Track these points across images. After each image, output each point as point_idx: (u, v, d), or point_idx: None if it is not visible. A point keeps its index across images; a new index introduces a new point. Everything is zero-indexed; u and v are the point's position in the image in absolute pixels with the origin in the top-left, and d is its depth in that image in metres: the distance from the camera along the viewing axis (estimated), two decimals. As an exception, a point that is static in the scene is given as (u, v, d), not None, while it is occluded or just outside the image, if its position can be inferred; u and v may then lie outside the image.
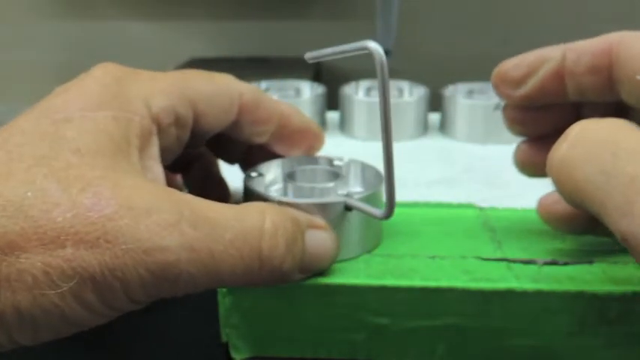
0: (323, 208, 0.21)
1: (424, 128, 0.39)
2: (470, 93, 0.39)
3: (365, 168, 0.25)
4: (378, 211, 0.20)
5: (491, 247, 0.23)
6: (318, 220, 0.20)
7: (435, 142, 0.38)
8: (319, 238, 0.20)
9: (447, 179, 0.31)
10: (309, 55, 0.20)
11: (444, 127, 0.39)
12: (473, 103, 0.37)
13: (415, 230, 0.25)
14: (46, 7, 0.73)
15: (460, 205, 0.28)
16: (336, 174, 0.24)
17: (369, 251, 0.23)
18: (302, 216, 0.20)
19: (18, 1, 0.73)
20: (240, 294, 0.21)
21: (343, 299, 0.21)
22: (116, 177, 0.17)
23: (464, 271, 0.22)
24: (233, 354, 0.22)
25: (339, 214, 0.21)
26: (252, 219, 0.18)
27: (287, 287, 0.21)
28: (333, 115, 0.41)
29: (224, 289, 0.21)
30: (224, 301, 0.21)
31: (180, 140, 0.22)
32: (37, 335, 0.17)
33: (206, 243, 0.17)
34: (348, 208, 0.21)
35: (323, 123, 0.39)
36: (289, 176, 0.24)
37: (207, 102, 0.22)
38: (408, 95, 0.40)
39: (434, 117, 0.40)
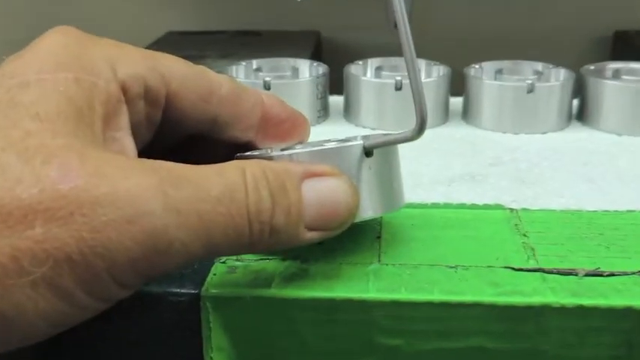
0: (336, 155, 0.21)
1: (444, 115, 0.39)
2: (498, 73, 0.39)
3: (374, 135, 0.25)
4: (407, 133, 0.21)
5: (524, 256, 0.23)
6: (321, 167, 0.21)
7: (456, 131, 0.38)
8: (326, 187, 0.20)
9: (471, 175, 0.31)
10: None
11: (467, 114, 0.39)
12: (502, 84, 0.37)
13: (434, 235, 0.25)
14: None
15: (487, 206, 0.28)
16: (342, 140, 0.25)
17: (393, 210, 0.23)
18: (296, 165, 0.20)
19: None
20: (228, 309, 0.21)
21: (349, 316, 0.21)
22: (80, 146, 0.18)
23: (491, 284, 0.22)
24: (219, 381, 0.22)
25: (356, 161, 0.21)
26: (233, 174, 0.19)
27: (282, 302, 0.21)
28: (336, 100, 0.41)
29: (207, 304, 0.21)
30: (208, 319, 0.21)
31: (150, 121, 0.22)
32: (10, 338, 0.17)
33: (192, 204, 0.18)
34: (368, 152, 0.22)
35: (325, 109, 0.39)
36: (287, 149, 0.24)
37: (182, 82, 0.22)
38: (426, 76, 0.40)
39: (456, 101, 0.40)
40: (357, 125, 0.39)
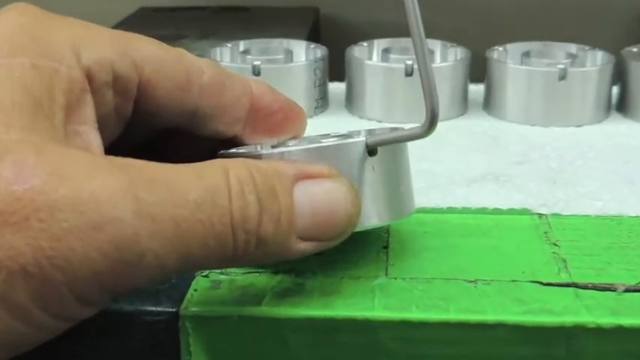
0: (334, 153, 0.21)
1: (462, 105, 0.39)
2: (525, 56, 0.40)
3: (379, 130, 0.26)
4: (415, 129, 0.21)
5: (554, 268, 0.24)
6: (317, 167, 0.21)
7: (477, 124, 0.38)
8: (322, 190, 0.20)
9: (494, 175, 0.32)
10: None
11: (489, 103, 0.39)
12: (529, 69, 0.38)
13: (450, 244, 0.25)
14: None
15: (511, 211, 0.28)
16: (343, 135, 0.25)
17: (400, 217, 0.23)
18: (288, 165, 0.21)
19: None
20: (212, 330, 0.21)
21: (351, 339, 0.21)
22: (38, 141, 0.18)
23: (516, 301, 0.22)
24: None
25: (357, 160, 0.22)
26: (215, 176, 0.19)
27: (274, 322, 0.21)
28: (337, 88, 0.42)
29: (187, 324, 0.21)
30: (188, 341, 0.22)
31: (119, 113, 0.22)
32: None
33: (167, 209, 0.18)
34: (371, 151, 0.22)
35: (323, 98, 0.40)
36: (278, 145, 0.24)
37: (157, 68, 0.22)
38: (441, 59, 0.40)
39: (476, 89, 0.41)
40: (361, 117, 0.39)
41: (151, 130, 0.24)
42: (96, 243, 0.17)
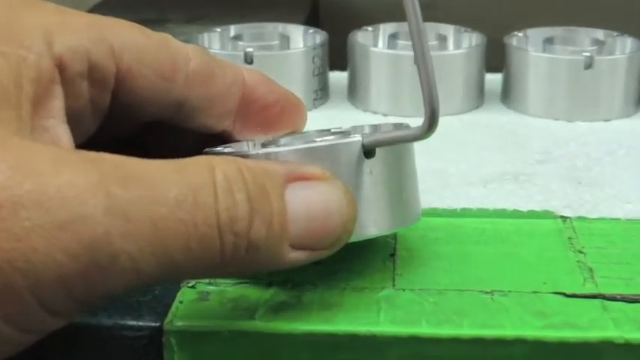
0: (325, 155, 0.21)
1: (478, 96, 0.39)
2: (547, 42, 0.40)
3: (384, 126, 0.26)
4: (413, 130, 0.21)
5: (579, 278, 0.24)
6: (311, 169, 0.21)
7: (494, 118, 0.38)
8: (316, 193, 0.20)
9: (513, 174, 0.32)
10: None
11: (508, 95, 0.39)
12: (552, 57, 0.38)
13: (464, 252, 0.25)
14: None
15: (532, 214, 0.28)
16: (340, 133, 0.25)
17: (402, 226, 0.23)
18: (278, 165, 0.21)
19: None
20: (199, 346, 0.22)
21: (354, 356, 0.21)
22: (2, 133, 0.18)
23: (537, 314, 0.22)
24: None
25: (352, 163, 0.22)
26: (198, 172, 0.19)
27: (269, 338, 0.21)
28: (338, 77, 0.42)
29: (172, 340, 0.21)
30: (173, 359, 0.22)
31: (96, 106, 0.22)
32: None
33: (143, 207, 0.18)
34: (368, 152, 0.22)
35: (323, 89, 0.40)
36: (269, 143, 0.24)
37: (138, 56, 0.22)
38: (454, 46, 0.41)
39: (493, 79, 0.41)
40: (365, 110, 0.39)
41: (133, 124, 0.24)
42: (62, 243, 0.17)
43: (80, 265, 0.17)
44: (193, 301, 0.23)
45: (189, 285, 0.23)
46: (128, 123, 0.24)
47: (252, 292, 0.23)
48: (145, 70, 0.23)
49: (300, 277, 0.23)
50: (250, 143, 0.25)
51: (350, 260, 0.24)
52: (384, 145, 0.22)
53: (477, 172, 0.32)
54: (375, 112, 0.38)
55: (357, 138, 0.22)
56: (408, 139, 0.21)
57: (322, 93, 0.40)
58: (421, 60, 0.20)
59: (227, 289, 0.23)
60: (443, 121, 0.37)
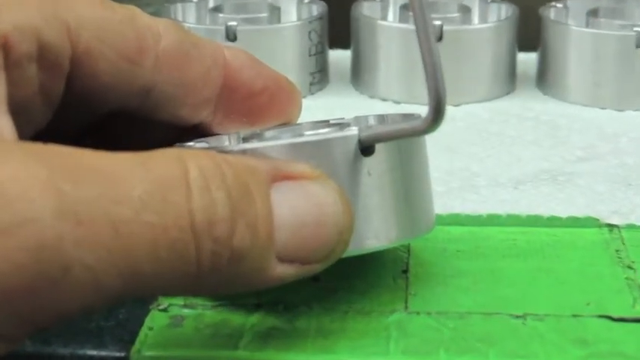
0: (315, 151, 0.21)
1: (509, 80, 0.39)
2: (591, 15, 0.40)
3: (390, 117, 0.26)
4: (415, 122, 0.21)
5: (628, 298, 0.24)
6: (299, 166, 0.21)
7: (528, 106, 0.38)
8: (305, 194, 0.21)
9: (551, 173, 0.32)
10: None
11: (545, 79, 0.39)
12: (597, 33, 0.38)
13: (490, 268, 0.25)
14: None
15: (573, 221, 0.28)
16: (338, 125, 0.25)
17: (409, 238, 0.23)
18: (261, 162, 0.21)
19: None
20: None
21: (359, 393, 0.21)
22: None
23: (578, 342, 0.22)
24: None
25: (347, 162, 0.22)
26: (168, 167, 0.19)
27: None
28: (340, 57, 0.42)
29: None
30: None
31: (48, 93, 0.22)
32: None
33: (101, 207, 0.18)
34: (365, 149, 0.22)
35: (322, 70, 0.40)
36: (252, 137, 0.25)
37: (99, 34, 0.22)
38: (480, 20, 0.41)
39: (527, 59, 0.41)
40: (371, 97, 0.39)
41: (92, 116, 0.24)
42: (3, 251, 0.17)
43: (26, 277, 0.17)
44: (165, 327, 0.23)
45: (160, 307, 0.23)
46: (86, 114, 0.24)
47: (236, 316, 0.23)
48: (107, 50, 0.23)
49: (293, 298, 0.24)
50: (233, 137, 0.25)
51: (353, 277, 0.24)
52: (384, 141, 0.22)
53: (506, 170, 0.32)
54: (384, 99, 0.39)
55: (351, 132, 0.22)
56: (408, 134, 0.21)
57: (320, 76, 0.40)
58: (422, 34, 0.19)
59: (205, 312, 0.23)
60: (467, 109, 0.37)
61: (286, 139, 0.22)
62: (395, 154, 0.22)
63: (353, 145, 0.22)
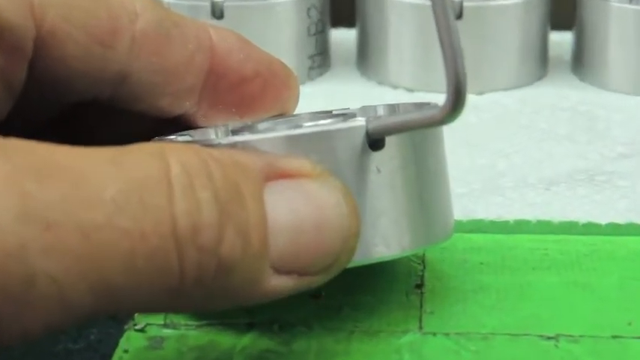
0: (317, 145, 0.21)
1: (540, 64, 0.40)
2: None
3: (401, 107, 0.26)
4: (432, 111, 0.21)
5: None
6: (297, 162, 0.21)
7: (562, 94, 0.38)
8: (304, 195, 0.21)
9: (588, 173, 0.32)
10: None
11: (581, 62, 0.39)
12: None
13: (518, 282, 0.25)
14: None
15: (613, 229, 0.28)
16: (342, 115, 0.25)
17: (424, 245, 0.23)
18: (254, 158, 0.21)
19: None
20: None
21: None
22: None
23: (620, 368, 0.22)
24: None
25: (354, 156, 0.22)
26: (146, 164, 0.19)
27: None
28: (343, 37, 0.42)
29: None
30: None
31: (6, 81, 0.22)
32: None
33: (70, 211, 0.18)
34: (374, 142, 0.22)
35: (323, 53, 0.40)
36: (242, 129, 0.25)
37: (66, 14, 0.22)
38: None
39: (561, 40, 0.41)
40: (380, 83, 0.39)
41: (59, 107, 0.24)
42: None
43: None
44: (143, 350, 0.23)
45: (137, 327, 0.24)
46: (52, 104, 0.24)
47: (225, 337, 0.23)
48: (75, 31, 0.23)
49: (290, 316, 0.24)
50: (220, 131, 0.25)
51: (360, 293, 0.25)
52: (396, 133, 0.22)
53: (536, 169, 0.32)
54: (395, 87, 0.39)
55: (358, 122, 0.22)
56: (423, 124, 0.21)
57: (321, 59, 0.40)
58: (440, 10, 0.19)
59: (189, 332, 0.23)
60: (491, 98, 0.37)
61: (282, 131, 0.22)
62: (408, 148, 0.22)
63: (360, 137, 0.22)
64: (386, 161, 0.22)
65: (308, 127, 0.22)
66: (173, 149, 0.20)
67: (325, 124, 0.22)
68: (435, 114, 0.20)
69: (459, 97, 0.20)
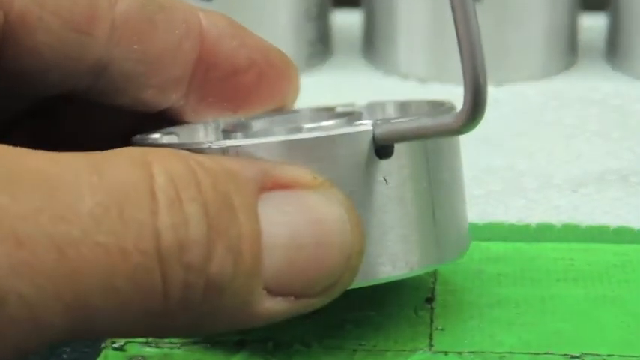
0: (317, 151, 0.22)
1: (569, 51, 0.40)
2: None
3: (409, 105, 0.26)
4: (446, 119, 0.21)
5: None
6: (294, 170, 0.21)
7: (593, 85, 0.38)
8: (303, 208, 0.21)
9: (621, 174, 0.32)
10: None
11: (615, 50, 0.40)
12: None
13: (540, 295, 0.26)
14: None
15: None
16: (345, 114, 0.25)
17: (436, 264, 0.24)
18: (247, 166, 0.21)
19: None
20: None
21: None
22: None
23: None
24: None
25: (359, 165, 0.22)
26: (127, 173, 0.19)
27: None
28: (347, 21, 0.42)
29: None
30: None
31: None
32: None
33: (43, 225, 0.18)
34: (382, 150, 0.22)
35: (323, 40, 0.40)
36: (235, 128, 0.25)
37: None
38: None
39: (593, 25, 0.41)
40: (388, 73, 0.40)
41: (32, 99, 0.25)
42: None
43: None
44: (122, 371, 0.23)
45: (116, 345, 0.24)
46: (23, 98, 0.25)
47: (213, 357, 0.23)
48: (48, 17, 0.23)
49: (286, 333, 0.24)
50: (210, 128, 0.26)
51: (364, 308, 0.25)
52: (406, 140, 0.22)
53: (562, 169, 0.32)
54: (405, 77, 0.39)
55: (364, 127, 0.22)
56: (437, 133, 0.21)
57: (322, 47, 0.40)
58: (460, 10, 0.19)
59: (173, 351, 0.24)
60: (513, 90, 0.37)
61: (279, 135, 0.22)
62: (420, 156, 0.23)
63: (366, 144, 0.22)
64: (394, 171, 0.22)
65: (308, 130, 0.23)
66: (157, 156, 0.20)
67: (327, 127, 0.23)
68: (452, 122, 0.20)
69: (477, 102, 0.20)
